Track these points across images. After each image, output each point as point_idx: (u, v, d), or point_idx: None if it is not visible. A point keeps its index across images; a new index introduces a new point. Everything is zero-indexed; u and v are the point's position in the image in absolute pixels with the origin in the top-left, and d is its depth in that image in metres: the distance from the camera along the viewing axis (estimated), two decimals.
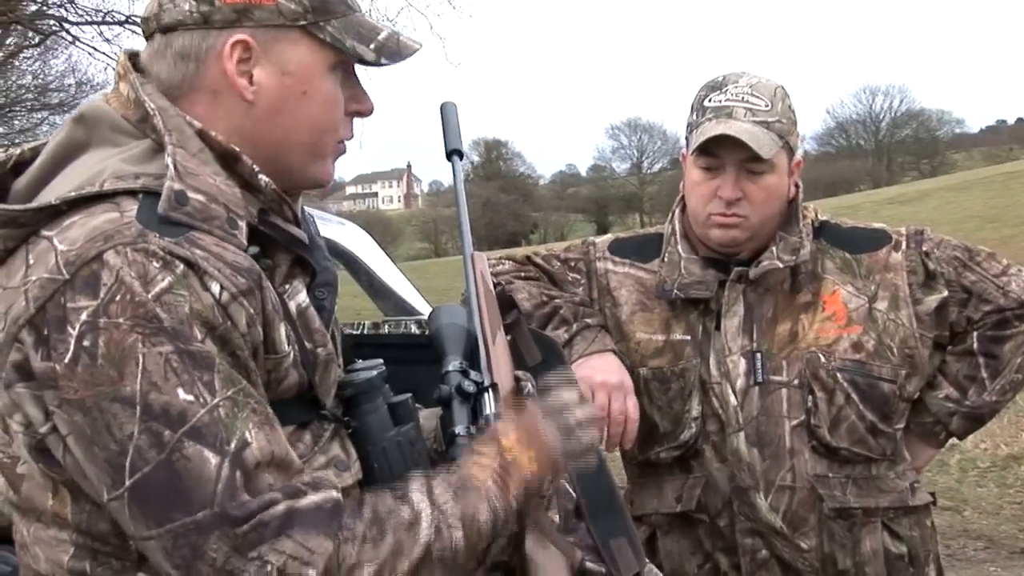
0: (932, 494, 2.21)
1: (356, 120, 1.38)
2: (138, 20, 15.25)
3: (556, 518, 1.48)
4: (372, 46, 1.31)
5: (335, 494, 1.16)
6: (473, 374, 1.39)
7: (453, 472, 1.25)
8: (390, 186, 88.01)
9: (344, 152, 1.38)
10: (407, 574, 1.15)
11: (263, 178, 1.26)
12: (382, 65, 1.32)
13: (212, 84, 1.27)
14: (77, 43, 16.49)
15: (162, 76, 1.27)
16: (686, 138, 2.12)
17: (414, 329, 2.62)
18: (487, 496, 1.23)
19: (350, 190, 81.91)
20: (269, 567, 1.09)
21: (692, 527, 2.12)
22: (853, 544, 2.07)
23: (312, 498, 1.13)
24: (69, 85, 20.04)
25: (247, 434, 1.12)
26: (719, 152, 2.03)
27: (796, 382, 2.05)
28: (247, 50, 1.26)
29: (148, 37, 1.29)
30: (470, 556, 1.22)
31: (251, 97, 1.27)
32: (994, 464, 6.38)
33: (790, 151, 2.07)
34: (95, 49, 16.32)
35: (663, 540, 2.15)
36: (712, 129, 2.01)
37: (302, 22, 1.28)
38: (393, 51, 1.33)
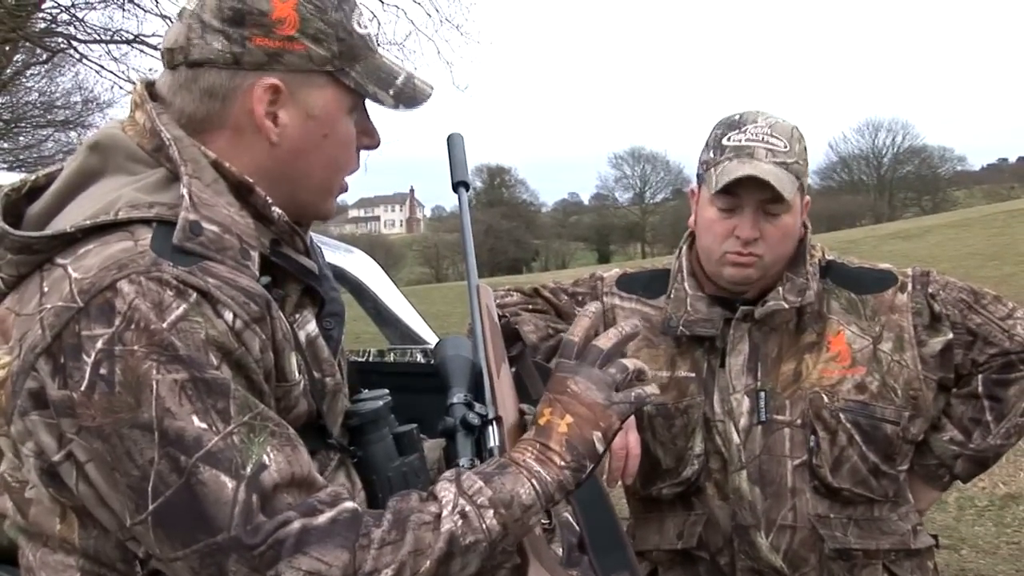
0: (935, 536, 2.20)
1: (361, 152, 1.40)
2: (146, 40, 15.37)
3: (560, 551, 1.48)
4: (391, 92, 1.34)
5: (351, 504, 1.16)
6: (478, 406, 1.39)
7: (491, 461, 1.26)
8: (393, 210, 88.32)
9: (347, 189, 1.40)
10: (432, 570, 1.14)
11: (276, 210, 1.28)
12: (399, 110, 1.35)
13: (236, 122, 1.28)
14: (84, 61, 16.57)
15: (186, 109, 1.28)
16: (699, 175, 2.11)
17: (419, 358, 2.62)
18: (528, 471, 1.23)
19: (352, 213, 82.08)
20: None
21: (693, 564, 2.12)
22: None
23: (328, 514, 1.13)
24: (75, 102, 20.19)
25: (265, 457, 1.13)
26: (739, 192, 2.02)
27: (799, 422, 2.05)
28: (276, 93, 1.27)
29: (172, 67, 1.29)
30: (520, 532, 1.22)
31: (276, 139, 1.28)
32: (992, 503, 6.34)
33: (802, 191, 2.08)
34: (102, 67, 16.41)
35: None
36: (736, 169, 2.00)
37: (329, 68, 1.30)
38: (410, 97, 1.36)
